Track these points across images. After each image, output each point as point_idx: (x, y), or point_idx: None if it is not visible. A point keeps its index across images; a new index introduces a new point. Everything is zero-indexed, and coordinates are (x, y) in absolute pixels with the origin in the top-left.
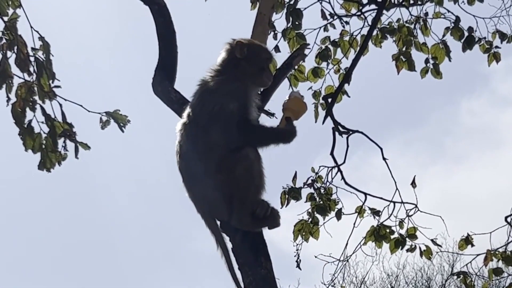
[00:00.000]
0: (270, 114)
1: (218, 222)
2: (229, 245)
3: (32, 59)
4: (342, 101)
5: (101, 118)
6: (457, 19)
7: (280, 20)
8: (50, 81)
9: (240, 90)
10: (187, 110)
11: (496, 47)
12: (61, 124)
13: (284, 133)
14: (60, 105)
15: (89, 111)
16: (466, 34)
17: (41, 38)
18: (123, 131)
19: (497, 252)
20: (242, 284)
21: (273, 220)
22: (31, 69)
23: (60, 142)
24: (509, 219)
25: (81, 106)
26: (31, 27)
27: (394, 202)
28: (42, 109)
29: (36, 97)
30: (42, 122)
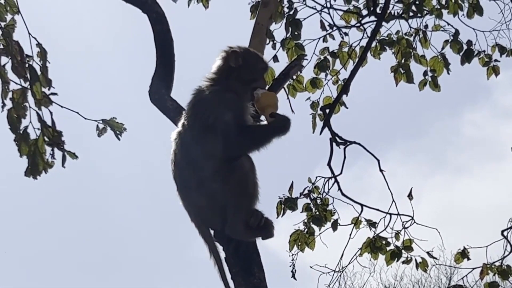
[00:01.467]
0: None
1: (212, 231)
2: (223, 254)
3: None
4: (342, 112)
5: (97, 126)
6: (456, 32)
7: (279, 30)
8: (46, 88)
9: (234, 100)
10: (182, 119)
11: (496, 60)
12: (50, 132)
13: (279, 124)
14: (51, 112)
15: (85, 119)
16: (465, 47)
17: (39, 44)
18: (119, 139)
19: (493, 266)
20: None
21: (266, 230)
22: (28, 75)
23: (48, 150)
24: (505, 233)
25: (77, 113)
26: (29, 33)
27: (391, 214)
28: (38, 115)
29: (27, 104)
30: (38, 129)
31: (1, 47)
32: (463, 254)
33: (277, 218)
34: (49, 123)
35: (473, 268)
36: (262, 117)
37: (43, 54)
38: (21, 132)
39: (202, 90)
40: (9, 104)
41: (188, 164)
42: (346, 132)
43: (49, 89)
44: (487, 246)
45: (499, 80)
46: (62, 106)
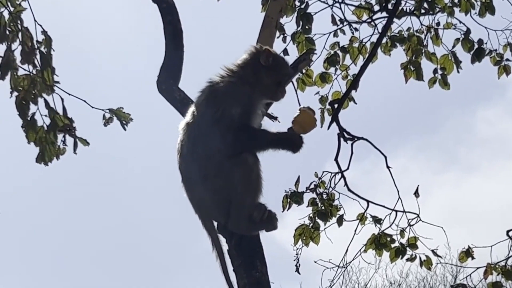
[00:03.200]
0: (273, 118)
1: (215, 224)
2: (225, 247)
3: (37, 52)
4: (352, 108)
5: (104, 115)
6: (468, 31)
7: (290, 24)
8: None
9: (246, 96)
10: (192, 108)
11: (507, 60)
12: (62, 119)
13: (287, 139)
14: (62, 99)
15: (92, 107)
16: (476, 46)
17: (44, 32)
18: (125, 129)
19: (497, 266)
20: (235, 287)
21: (270, 223)
22: (36, 62)
23: (60, 136)
24: (511, 233)
25: (84, 101)
26: (35, 20)
27: (396, 211)
28: (46, 102)
29: (36, 91)
30: (46, 116)
31: (8, 33)
32: (468, 253)
33: (282, 212)
34: (60, 109)
35: (477, 268)
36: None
37: (48, 42)
38: (28, 118)
39: (217, 81)
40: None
41: (194, 156)
42: (356, 127)
43: (52, 78)
44: (491, 246)
45: None
46: (69, 94)
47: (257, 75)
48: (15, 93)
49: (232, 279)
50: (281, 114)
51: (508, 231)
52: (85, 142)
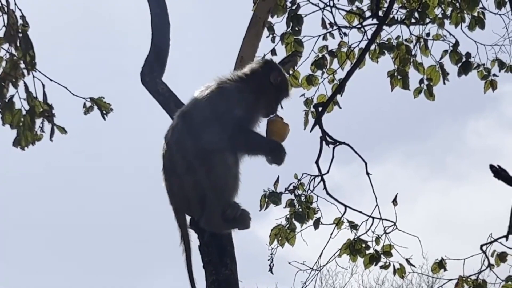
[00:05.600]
0: None
1: (188, 218)
2: (196, 243)
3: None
4: (341, 112)
5: (84, 104)
6: (456, 43)
7: (280, 24)
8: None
9: (252, 103)
10: (192, 100)
11: (494, 75)
12: (41, 104)
13: (275, 148)
14: (43, 85)
15: (73, 95)
16: (463, 59)
17: (22, 17)
18: (104, 119)
19: (469, 279)
20: (196, 284)
21: (243, 222)
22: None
23: (38, 122)
24: (484, 248)
25: (66, 88)
26: (15, 4)
27: (373, 218)
28: (25, 86)
29: (19, 73)
30: (24, 99)
31: None
32: (440, 265)
33: (259, 211)
34: (40, 95)
35: (450, 279)
36: None
37: (25, 27)
38: (6, 100)
39: (226, 81)
40: None
41: (179, 147)
42: (343, 132)
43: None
44: (464, 259)
45: (507, 90)
46: (51, 79)
47: (263, 88)
48: None
49: (199, 275)
50: None
51: (481, 245)
52: (63, 130)
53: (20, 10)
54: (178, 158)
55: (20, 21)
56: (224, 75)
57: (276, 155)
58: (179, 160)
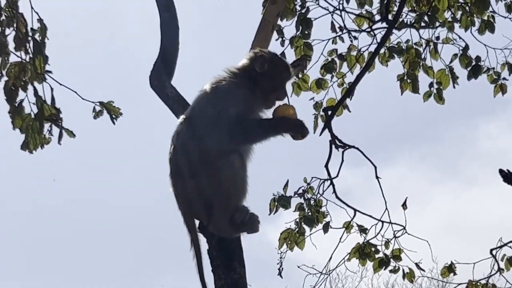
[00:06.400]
0: None
1: (197, 222)
2: (205, 247)
3: (30, 39)
4: (351, 116)
5: (94, 108)
6: (466, 47)
7: (289, 27)
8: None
9: (246, 98)
10: (193, 103)
11: (504, 79)
12: (49, 108)
13: (288, 122)
14: (51, 88)
15: (83, 99)
16: (473, 62)
17: (40, 20)
18: (114, 123)
19: (478, 284)
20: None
21: (251, 225)
22: (28, 49)
23: (47, 126)
24: (494, 252)
25: (75, 92)
26: (32, 7)
27: (383, 222)
28: (35, 90)
29: (27, 78)
30: (33, 103)
31: (4, 17)
32: (450, 269)
33: (269, 215)
34: (49, 99)
35: (459, 284)
36: None
37: (43, 30)
38: (16, 105)
39: (220, 80)
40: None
41: (186, 151)
42: (354, 136)
43: (44, 66)
44: (474, 263)
45: None
46: (60, 84)
47: (254, 80)
48: (5, 78)
49: (209, 279)
50: None
51: (491, 250)
52: (71, 134)
53: (37, 13)
54: (184, 162)
55: (38, 25)
56: (219, 73)
57: (298, 129)
58: (185, 165)
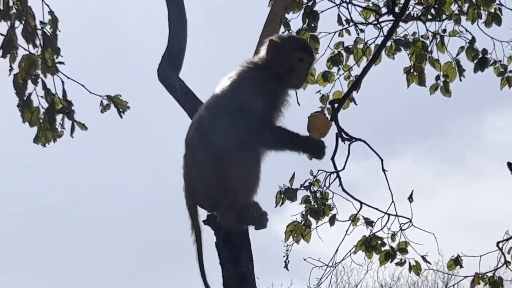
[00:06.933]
0: None
1: (206, 214)
2: (213, 240)
3: (39, 32)
4: (358, 109)
5: (101, 101)
6: (473, 40)
7: (295, 20)
8: (54, 56)
9: (271, 91)
10: (216, 91)
11: (511, 71)
12: (61, 101)
13: (311, 144)
14: (62, 82)
15: (90, 92)
16: (480, 55)
17: (51, 12)
18: (121, 117)
19: (485, 276)
20: (208, 281)
21: (260, 221)
22: (37, 42)
23: (58, 119)
24: (501, 245)
25: (83, 86)
26: (43, 0)
27: (389, 214)
28: (43, 83)
29: (39, 71)
30: (42, 97)
31: (14, 11)
32: (456, 261)
33: (275, 207)
34: (59, 92)
35: (465, 277)
36: None
37: (54, 22)
38: (25, 98)
39: (243, 71)
40: (16, 69)
41: (201, 142)
42: (360, 129)
43: (57, 58)
44: (480, 256)
45: None
46: (68, 77)
47: (270, 67)
48: (14, 72)
49: (216, 272)
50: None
51: (498, 243)
52: (83, 126)
53: (48, 5)
54: (198, 152)
55: (49, 17)
56: (242, 64)
57: (316, 153)
58: (199, 154)
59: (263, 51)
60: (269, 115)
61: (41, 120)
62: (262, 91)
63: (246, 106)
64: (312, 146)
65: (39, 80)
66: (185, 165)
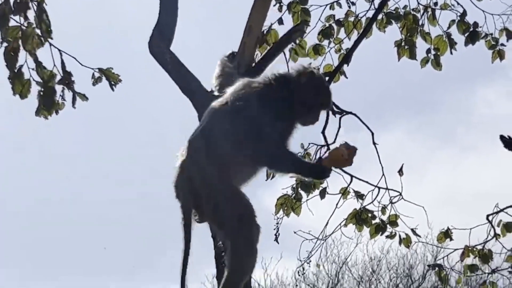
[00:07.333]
0: None
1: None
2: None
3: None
4: (349, 83)
5: (93, 74)
6: (464, 13)
7: None
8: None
9: (284, 111)
10: (231, 97)
11: (502, 44)
12: (60, 72)
13: (318, 170)
14: (60, 53)
15: (82, 65)
16: (471, 28)
17: None
18: (113, 90)
19: (474, 249)
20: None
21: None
22: (30, 14)
23: (59, 90)
24: (490, 218)
25: (74, 58)
26: None
27: (379, 188)
28: (35, 55)
29: (29, 44)
30: (33, 69)
31: None
32: (446, 234)
33: (266, 180)
34: (58, 63)
35: (455, 249)
36: None
37: None
38: (15, 70)
39: (268, 87)
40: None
41: (208, 150)
42: (351, 102)
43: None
44: (470, 229)
45: None
46: (60, 50)
47: (291, 93)
48: (5, 44)
49: (208, 246)
50: None
51: (488, 216)
52: (84, 97)
53: None
54: (202, 154)
55: None
56: (268, 76)
57: (314, 175)
58: (203, 157)
59: (292, 71)
60: (280, 135)
61: (41, 93)
62: (282, 116)
63: (265, 129)
64: (318, 174)
65: (32, 52)
66: (185, 159)
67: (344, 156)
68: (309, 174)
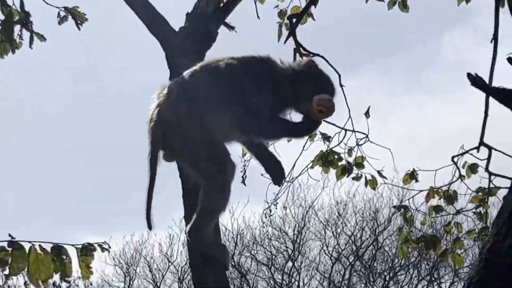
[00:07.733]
0: (230, 27)
1: None
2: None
3: None
4: (315, 25)
5: (59, 13)
6: None
7: None
8: None
9: (287, 95)
10: (228, 61)
11: None
12: (18, 12)
13: (300, 128)
14: None
15: (47, 4)
16: None
17: None
18: (79, 29)
19: (440, 190)
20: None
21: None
22: None
23: (16, 30)
24: (456, 159)
25: None
26: None
27: (346, 130)
28: None
29: None
30: None
31: None
32: (412, 176)
33: None
34: (17, 2)
35: (421, 191)
36: None
37: None
38: None
39: (275, 65)
40: None
41: (189, 110)
42: (319, 44)
43: None
44: (436, 170)
45: (484, 2)
46: None
47: (294, 83)
48: None
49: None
50: None
51: (453, 157)
52: (42, 38)
53: None
54: (182, 113)
55: None
56: (276, 58)
57: (299, 136)
58: (182, 115)
59: (300, 63)
60: (275, 110)
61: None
62: (282, 92)
63: (256, 99)
64: (309, 131)
65: None
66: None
67: (331, 102)
68: (303, 134)
